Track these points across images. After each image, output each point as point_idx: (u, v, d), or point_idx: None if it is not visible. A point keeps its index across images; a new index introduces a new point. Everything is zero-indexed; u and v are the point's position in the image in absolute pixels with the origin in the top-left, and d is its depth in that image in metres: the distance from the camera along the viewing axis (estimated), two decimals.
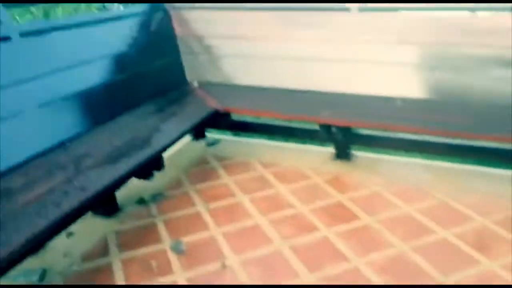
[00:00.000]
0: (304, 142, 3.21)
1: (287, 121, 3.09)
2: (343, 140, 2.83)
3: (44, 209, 1.61)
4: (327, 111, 2.59)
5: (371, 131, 2.83)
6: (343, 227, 2.21)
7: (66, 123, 2.23)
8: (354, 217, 2.29)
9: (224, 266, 1.96)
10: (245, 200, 2.51)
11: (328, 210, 2.36)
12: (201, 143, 3.35)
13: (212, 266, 1.97)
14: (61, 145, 2.16)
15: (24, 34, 2.18)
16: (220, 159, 3.06)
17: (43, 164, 1.96)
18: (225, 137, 3.52)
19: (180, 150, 3.24)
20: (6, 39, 2.08)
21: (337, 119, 2.56)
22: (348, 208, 2.38)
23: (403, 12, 2.83)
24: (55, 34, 2.35)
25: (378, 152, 3.01)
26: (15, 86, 2.00)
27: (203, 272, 1.94)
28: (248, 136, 3.49)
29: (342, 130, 2.74)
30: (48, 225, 1.52)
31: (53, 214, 1.58)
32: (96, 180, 1.84)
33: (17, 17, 6.21)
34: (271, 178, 2.75)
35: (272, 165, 2.91)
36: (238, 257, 2.02)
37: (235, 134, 3.55)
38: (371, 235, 2.14)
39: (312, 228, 2.21)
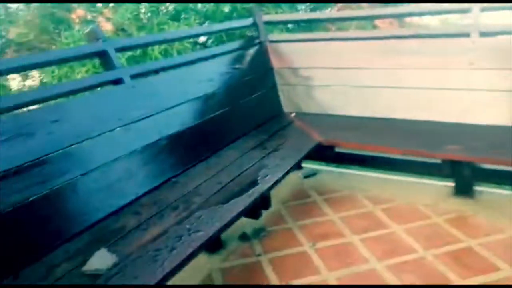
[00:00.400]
0: (417, 175, 2.90)
1: None
2: (468, 176, 2.49)
3: (159, 254, 1.55)
4: (451, 145, 2.29)
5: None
6: (480, 279, 1.89)
7: (172, 160, 2.23)
8: (492, 267, 1.96)
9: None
10: (355, 241, 2.28)
11: (457, 257, 2.05)
12: (297, 174, 3.19)
13: None
14: (169, 182, 2.15)
15: (134, 76, 2.24)
16: (321, 192, 2.88)
17: (154, 203, 1.95)
18: (323, 168, 3.34)
19: None
20: (118, 81, 2.15)
21: (467, 155, 2.24)
22: (482, 255, 2.05)
23: None
24: (160, 75, 2.41)
25: (505, 188, 2.62)
26: (126, 127, 2.04)
27: None
28: (349, 167, 3.26)
29: (468, 165, 2.41)
30: (164, 274, 1.45)
31: (168, 260, 1.51)
32: (208, 223, 1.76)
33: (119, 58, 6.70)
34: (382, 215, 2.50)
35: (382, 201, 2.65)
36: None
37: (335, 165, 3.34)
38: None
39: (442, 279, 1.92)
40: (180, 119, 2.34)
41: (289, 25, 6.93)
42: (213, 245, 2.29)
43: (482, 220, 2.33)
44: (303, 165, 3.29)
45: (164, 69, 2.55)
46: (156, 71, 2.51)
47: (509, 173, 2.43)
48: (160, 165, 2.16)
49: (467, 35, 2.56)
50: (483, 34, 2.52)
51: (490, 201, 2.51)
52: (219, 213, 1.83)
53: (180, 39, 5.04)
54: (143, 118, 2.14)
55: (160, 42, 4.50)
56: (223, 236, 2.35)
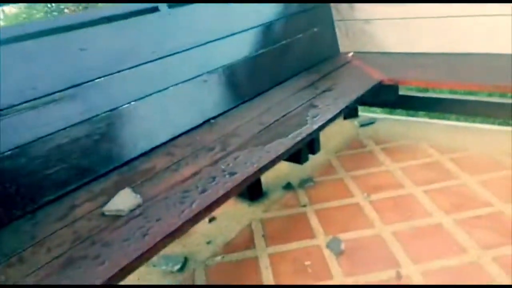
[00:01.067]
0: (494, 121, 2.50)
1: (470, 93, 2.43)
2: None
3: (187, 196, 1.39)
4: None
5: None
6: None
7: (213, 99, 2.04)
8: None
9: (399, 276, 1.52)
10: (417, 193, 1.99)
11: None
12: (353, 123, 2.89)
13: (382, 274, 1.54)
14: (207, 123, 1.97)
15: (173, 5, 2.02)
16: (379, 141, 2.57)
17: (189, 144, 1.78)
18: (382, 116, 3.00)
19: (329, 130, 2.80)
20: (154, 10, 1.95)
21: None
22: None
23: None
24: (202, 5, 2.16)
25: None
26: (161, 60, 1.86)
27: (370, 280, 1.52)
28: (412, 115, 2.90)
29: None
30: (191, 216, 1.28)
31: (197, 202, 1.34)
32: (244, 164, 1.56)
33: None
34: (450, 166, 2.16)
35: (451, 150, 2.30)
36: (417, 266, 1.54)
37: (396, 113, 2.98)
38: None
39: None
40: (223, 54, 2.12)
41: None
42: (254, 193, 2.11)
43: None
44: (360, 113, 2.99)
45: None
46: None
47: None
48: (199, 104, 1.98)
49: None
50: None
51: None
52: (258, 155, 1.62)
53: None
54: (181, 51, 1.94)
55: None
56: (266, 186, 2.18)
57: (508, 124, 2.54)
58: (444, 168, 2.15)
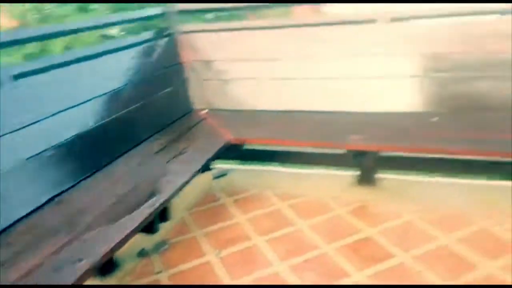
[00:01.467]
0: (327, 168, 2.96)
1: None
2: (371, 164, 2.58)
3: None
4: (355, 135, 2.34)
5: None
6: (377, 268, 1.94)
7: (60, 174, 2.00)
8: (387, 255, 2.02)
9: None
10: (261, 243, 2.24)
11: (356, 249, 2.09)
12: (207, 176, 3.05)
13: None
14: (52, 202, 1.93)
15: (18, 76, 1.94)
16: (231, 193, 2.80)
17: (32, 229, 1.73)
18: (234, 167, 3.25)
19: None
20: None
21: (368, 144, 2.31)
22: (379, 244, 2.10)
23: (435, 19, 2.59)
24: (52, 73, 2.10)
25: (405, 174, 2.75)
26: (1, 138, 1.77)
27: None
28: (259, 164, 3.22)
29: (371, 154, 2.49)
30: None
31: None
32: (93, 247, 1.58)
33: (12, 55, 6.07)
34: (289, 212, 2.48)
35: (289, 197, 2.64)
36: None
37: (246, 164, 3.28)
38: (410, 277, 1.86)
39: (340, 274, 1.93)
40: (71, 124, 2.10)
41: (210, 16, 6.68)
42: (105, 267, 2.07)
43: (382, 208, 2.41)
44: (215, 165, 3.19)
45: (57, 66, 2.18)
46: (47, 69, 2.14)
47: (408, 158, 2.55)
48: (43, 181, 1.92)
49: (374, 21, 2.57)
50: (391, 20, 2.54)
51: (391, 187, 2.61)
52: (109, 234, 1.66)
53: (83, 29, 4.52)
54: (23, 127, 1.87)
55: (58, 34, 3.84)
56: (119, 255, 2.17)
57: (336, 169, 3.00)
58: (284, 215, 2.46)
